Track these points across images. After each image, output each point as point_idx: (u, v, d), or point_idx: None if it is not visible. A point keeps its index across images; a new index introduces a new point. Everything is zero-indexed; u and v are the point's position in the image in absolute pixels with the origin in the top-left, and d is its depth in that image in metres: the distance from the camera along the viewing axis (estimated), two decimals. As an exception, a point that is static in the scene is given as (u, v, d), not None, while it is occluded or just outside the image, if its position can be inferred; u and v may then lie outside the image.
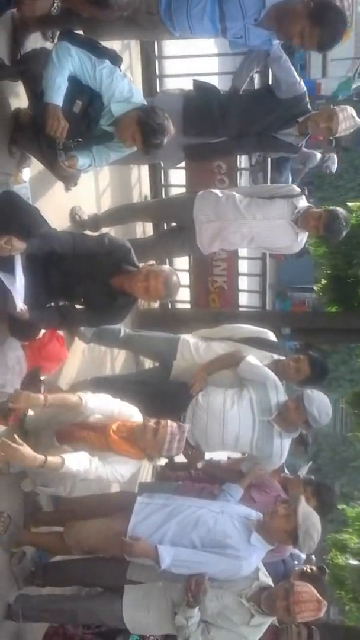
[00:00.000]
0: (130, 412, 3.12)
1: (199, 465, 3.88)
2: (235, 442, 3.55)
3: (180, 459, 4.15)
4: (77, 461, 2.83)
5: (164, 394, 3.69)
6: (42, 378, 3.20)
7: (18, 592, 3.13)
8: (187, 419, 3.46)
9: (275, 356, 3.78)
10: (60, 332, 3.44)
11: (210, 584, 2.91)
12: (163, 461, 4.94)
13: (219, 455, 4.26)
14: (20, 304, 2.75)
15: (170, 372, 3.80)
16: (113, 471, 3.02)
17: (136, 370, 4.89)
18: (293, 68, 3.64)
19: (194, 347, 3.80)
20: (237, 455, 4.10)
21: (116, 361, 4.79)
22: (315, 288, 10.58)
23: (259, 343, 3.82)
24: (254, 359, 3.59)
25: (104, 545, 3.07)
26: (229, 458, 4.30)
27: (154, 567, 2.92)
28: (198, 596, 2.85)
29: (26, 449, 2.65)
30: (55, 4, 2.49)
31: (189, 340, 3.86)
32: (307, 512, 2.99)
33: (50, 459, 2.76)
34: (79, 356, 4.09)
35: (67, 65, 2.69)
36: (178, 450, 3.01)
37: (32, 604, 3.12)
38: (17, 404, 2.75)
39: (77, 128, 2.91)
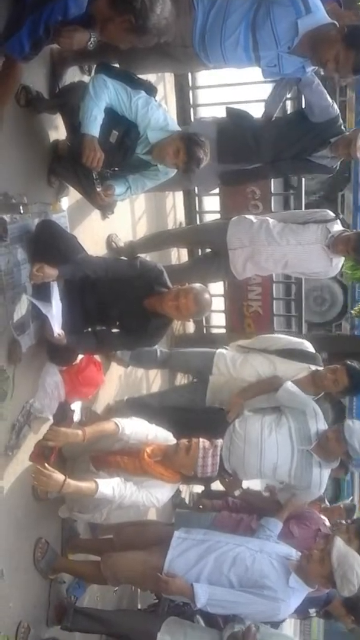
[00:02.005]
0: (165, 437, 3.12)
1: (237, 493, 3.81)
2: (273, 471, 3.48)
3: (217, 486, 4.09)
4: (112, 486, 2.84)
5: (200, 420, 3.66)
6: (72, 409, 3.22)
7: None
8: (224, 446, 3.42)
9: (313, 367, 3.74)
10: (97, 357, 3.47)
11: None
12: (200, 488, 4.89)
13: (257, 484, 4.18)
14: (57, 329, 2.80)
15: (207, 386, 3.79)
16: (149, 496, 3.00)
17: (171, 387, 4.87)
18: (325, 91, 3.65)
19: (231, 360, 3.79)
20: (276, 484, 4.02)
21: (152, 385, 4.79)
22: (352, 312, 10.41)
23: (296, 354, 3.79)
24: (293, 385, 3.54)
25: (140, 579, 3.05)
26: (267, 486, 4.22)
27: (185, 630, 2.86)
28: None
29: (58, 476, 2.67)
30: (92, 39, 2.56)
31: (225, 354, 3.84)
32: (343, 555, 2.89)
33: (84, 484, 2.77)
34: (115, 381, 4.11)
35: (104, 97, 2.76)
36: (213, 467, 2.98)
37: None
38: (57, 443, 2.77)
39: (114, 157, 2.98)
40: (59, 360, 3.08)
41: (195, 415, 3.75)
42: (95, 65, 3.07)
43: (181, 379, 5.01)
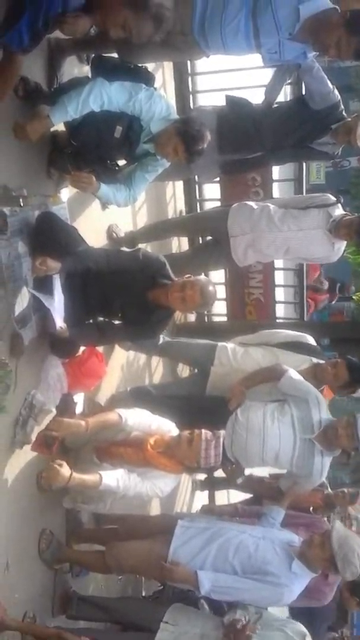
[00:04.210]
0: (169, 428, 3.14)
1: (239, 481, 3.84)
2: (275, 459, 3.50)
3: (219, 474, 4.12)
4: (115, 478, 2.86)
5: (202, 409, 3.67)
6: (75, 400, 3.23)
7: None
8: (226, 435, 3.43)
9: (315, 360, 3.74)
10: (99, 349, 3.47)
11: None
12: (202, 476, 4.92)
13: (260, 471, 4.21)
14: (59, 322, 2.80)
15: (207, 378, 3.79)
16: (152, 486, 3.03)
17: (174, 379, 4.90)
18: (326, 77, 3.61)
19: (232, 352, 3.79)
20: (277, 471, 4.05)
21: (154, 375, 4.80)
22: (354, 297, 10.41)
23: (297, 347, 3.80)
24: (296, 373, 3.54)
25: (145, 567, 3.08)
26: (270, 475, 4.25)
27: (189, 615, 2.89)
28: None
29: (65, 470, 2.70)
30: (94, 27, 2.54)
31: (227, 346, 3.85)
32: (343, 537, 2.92)
33: (88, 476, 2.80)
34: (117, 371, 4.12)
35: (91, 106, 2.73)
36: (216, 458, 3.00)
37: None
38: (59, 433, 2.78)
39: (120, 151, 2.99)
40: (61, 352, 3.08)
41: (198, 404, 3.76)
42: (92, 56, 3.04)
43: (183, 369, 5.02)
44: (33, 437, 2.86)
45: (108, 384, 3.89)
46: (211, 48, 3.11)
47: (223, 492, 5.25)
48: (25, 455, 2.91)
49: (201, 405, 3.74)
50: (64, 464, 2.76)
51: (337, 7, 2.98)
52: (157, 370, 4.83)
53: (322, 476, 3.53)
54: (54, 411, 3.05)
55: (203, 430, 2.99)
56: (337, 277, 9.35)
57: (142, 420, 3.04)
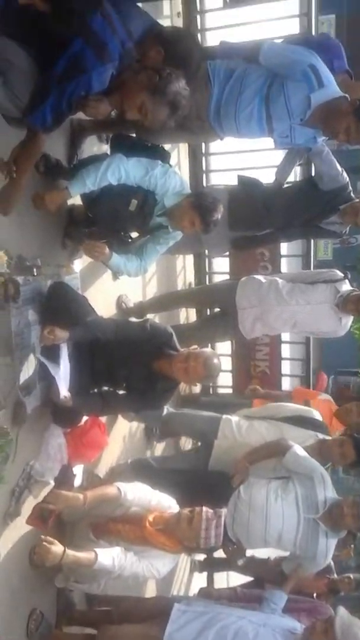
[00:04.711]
0: (169, 504, 3.04)
1: (240, 562, 3.69)
2: (277, 540, 3.37)
3: (219, 554, 3.96)
4: (111, 557, 2.76)
5: (204, 484, 3.58)
6: (74, 472, 3.17)
7: None
8: (228, 513, 3.32)
9: (320, 435, 3.67)
10: (102, 419, 3.43)
11: None
12: (201, 556, 4.74)
13: (262, 553, 4.05)
14: (64, 391, 2.78)
15: (210, 452, 3.72)
16: (149, 567, 2.91)
17: (176, 452, 4.81)
18: (335, 160, 3.74)
19: (236, 426, 3.73)
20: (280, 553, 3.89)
21: (156, 447, 4.71)
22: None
23: (303, 422, 3.74)
24: (301, 449, 3.47)
25: None
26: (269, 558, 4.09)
27: None
28: None
29: (57, 547, 2.61)
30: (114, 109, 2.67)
31: (231, 419, 3.79)
32: (347, 624, 2.77)
33: (83, 554, 2.70)
34: (119, 442, 4.05)
35: (109, 179, 2.84)
36: (216, 539, 2.89)
37: None
38: (57, 506, 2.70)
39: (134, 224, 3.07)
40: (64, 421, 3.05)
41: (200, 479, 3.67)
42: (111, 135, 3.18)
43: (185, 442, 4.93)
44: (25, 509, 2.78)
45: (109, 455, 3.82)
46: (226, 132, 3.24)
47: (222, 574, 5.04)
48: (19, 529, 2.82)
49: (203, 481, 3.64)
50: (55, 541, 2.66)
51: (346, 95, 3.12)
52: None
53: (326, 559, 3.39)
54: (52, 483, 2.98)
55: (204, 509, 2.90)
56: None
57: (141, 496, 2.96)
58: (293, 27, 5.06)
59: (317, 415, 3.84)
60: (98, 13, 2.20)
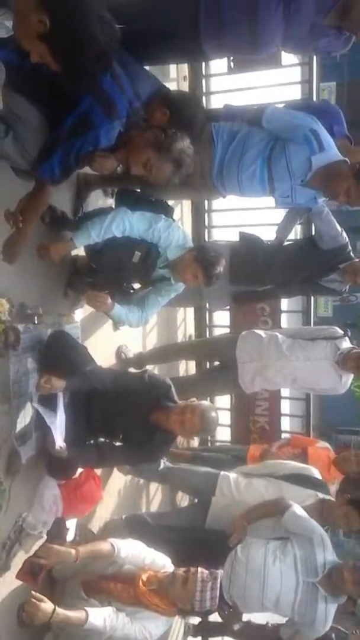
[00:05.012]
0: (163, 563, 2.95)
1: (236, 627, 3.54)
2: (275, 604, 3.24)
3: (215, 618, 3.80)
4: (102, 617, 2.65)
5: (201, 543, 3.47)
6: (67, 526, 3.08)
7: None
8: (224, 574, 3.22)
9: (320, 495, 3.58)
10: (97, 471, 3.36)
11: None
12: (196, 619, 4.55)
13: (259, 618, 3.89)
14: (59, 441, 2.74)
15: (208, 509, 3.63)
16: (142, 629, 2.79)
17: (172, 508, 4.70)
18: (334, 221, 3.82)
19: (234, 483, 3.66)
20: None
21: (152, 503, 4.60)
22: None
23: (302, 480, 3.66)
24: (300, 509, 3.38)
25: None
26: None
27: None
28: None
29: (47, 605, 2.52)
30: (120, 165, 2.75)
31: (229, 476, 3.72)
32: None
33: (73, 613, 2.60)
34: (114, 496, 3.96)
35: (114, 231, 2.90)
36: (212, 602, 2.78)
37: None
38: (48, 561, 2.63)
39: (136, 275, 3.12)
40: (58, 473, 2.99)
41: (196, 537, 3.57)
42: (117, 189, 3.26)
43: (182, 497, 4.83)
44: (15, 564, 2.69)
45: (103, 509, 3.73)
46: (228, 191, 3.33)
47: (218, 639, 4.82)
48: (8, 584, 2.72)
49: (200, 539, 3.53)
50: (45, 598, 2.57)
51: (346, 159, 3.22)
52: (155, 497, 4.64)
53: (326, 626, 3.24)
54: (45, 537, 2.90)
55: (199, 569, 2.80)
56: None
57: (135, 553, 2.87)
58: (295, 93, 5.28)
59: (316, 474, 3.78)
60: (108, 74, 2.30)
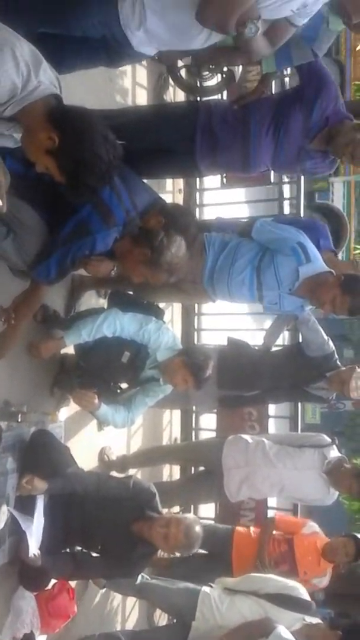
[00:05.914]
0: None
1: None
2: None
3: None
4: None
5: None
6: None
7: None
8: None
9: (307, 619, 3.37)
10: (72, 583, 3.16)
11: None
12: None
13: None
14: (33, 548, 2.60)
15: (187, 632, 3.39)
16: None
17: (149, 627, 4.37)
18: (321, 329, 3.89)
19: (215, 603, 3.44)
20: None
21: (128, 620, 4.29)
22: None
23: (288, 602, 3.44)
24: (285, 631, 3.16)
25: None
26: None
27: None
28: None
29: None
30: (115, 268, 2.84)
31: (210, 594, 3.50)
32: None
33: None
34: (88, 612, 3.69)
35: (104, 331, 2.96)
36: None
37: None
38: None
39: (125, 375, 3.13)
40: (30, 583, 2.81)
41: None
42: (109, 291, 3.35)
43: (160, 614, 4.51)
44: None
45: (75, 626, 3.45)
46: (218, 296, 3.41)
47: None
48: None
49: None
50: None
51: (332, 270, 3.34)
52: (132, 614, 4.34)
53: None
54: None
55: None
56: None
57: None
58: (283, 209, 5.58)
59: (303, 593, 3.56)
60: (107, 186, 2.44)
